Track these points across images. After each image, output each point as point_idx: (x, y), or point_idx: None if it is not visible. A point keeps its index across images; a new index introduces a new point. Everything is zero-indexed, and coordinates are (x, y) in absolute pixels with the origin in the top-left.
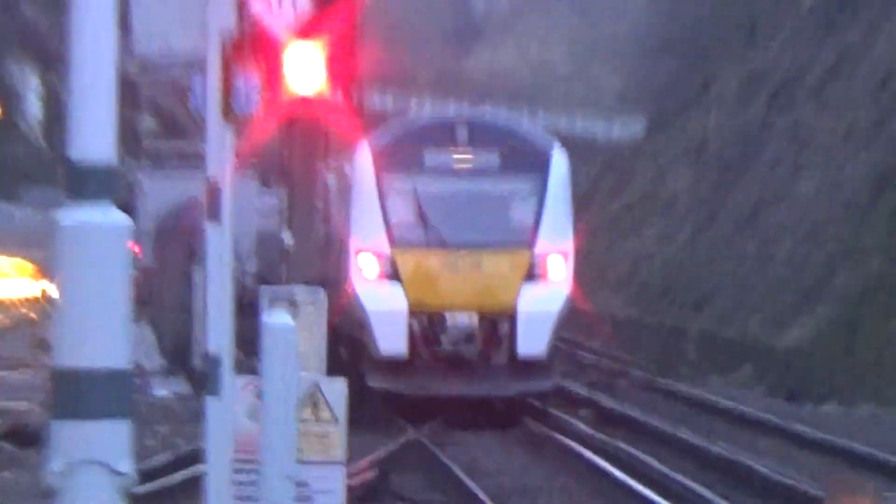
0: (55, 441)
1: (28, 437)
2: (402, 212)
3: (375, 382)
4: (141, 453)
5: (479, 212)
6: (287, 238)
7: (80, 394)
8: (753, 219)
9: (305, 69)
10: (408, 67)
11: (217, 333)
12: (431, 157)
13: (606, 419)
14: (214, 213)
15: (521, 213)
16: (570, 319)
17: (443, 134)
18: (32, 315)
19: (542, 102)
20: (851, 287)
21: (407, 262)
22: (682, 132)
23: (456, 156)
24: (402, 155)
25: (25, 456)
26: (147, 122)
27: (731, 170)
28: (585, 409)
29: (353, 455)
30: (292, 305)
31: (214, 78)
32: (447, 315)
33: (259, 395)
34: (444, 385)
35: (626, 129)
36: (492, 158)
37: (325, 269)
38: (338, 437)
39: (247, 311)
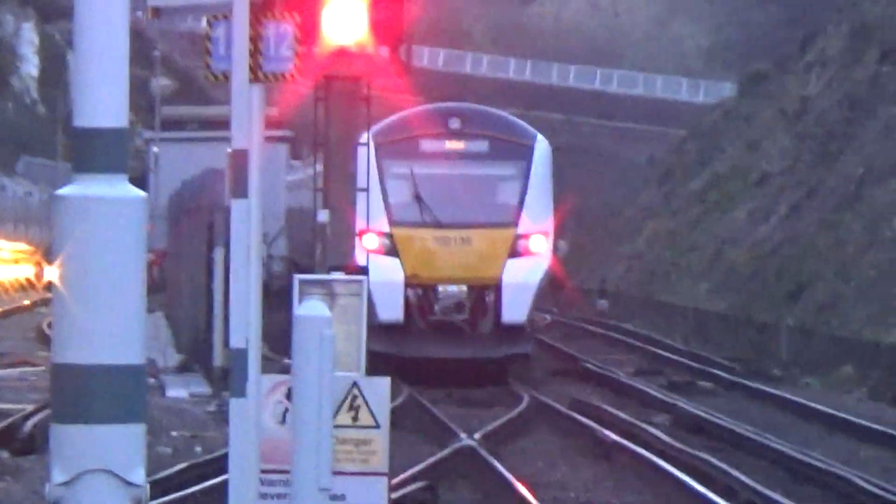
0: (57, 448)
1: (25, 444)
2: (400, 194)
3: (375, 346)
4: (154, 462)
5: (468, 194)
6: (323, 217)
7: (85, 394)
8: (859, 195)
9: (346, 19)
10: (461, 20)
11: (242, 326)
12: (426, 144)
13: (686, 426)
14: (240, 187)
15: (506, 196)
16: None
17: (437, 123)
18: (27, 303)
19: (616, 61)
20: None
21: (404, 239)
22: (778, 95)
23: (448, 143)
24: (399, 142)
25: (23, 465)
26: (161, 83)
27: (835, 138)
28: (662, 414)
29: (396, 465)
30: (329, 296)
31: (241, 30)
32: (439, 286)
33: (290, 397)
34: (436, 348)
35: (713, 91)
36: (481, 146)
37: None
38: (379, 444)
39: (276, 300)
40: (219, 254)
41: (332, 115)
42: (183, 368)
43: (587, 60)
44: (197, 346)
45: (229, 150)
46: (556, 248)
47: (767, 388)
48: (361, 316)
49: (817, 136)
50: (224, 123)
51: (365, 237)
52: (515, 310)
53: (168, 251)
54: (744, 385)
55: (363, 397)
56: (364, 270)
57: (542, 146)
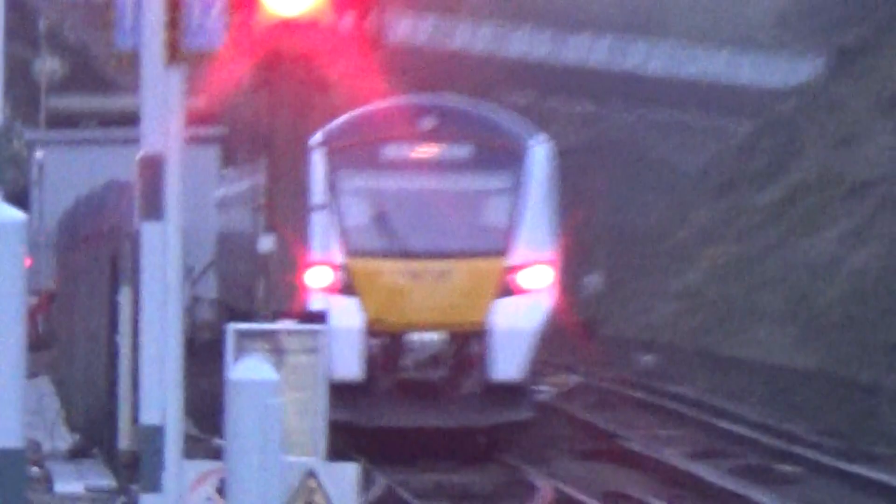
0: None
1: None
2: (359, 214)
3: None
4: None
5: (447, 214)
6: (266, 245)
7: None
8: None
9: None
10: None
11: (157, 395)
12: (392, 149)
13: None
14: (153, 206)
15: (495, 216)
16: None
17: (406, 122)
18: None
19: (662, 32)
20: None
21: (364, 274)
22: (879, 76)
23: (421, 148)
24: (358, 147)
25: None
26: (50, 67)
27: None
28: None
29: None
30: (275, 352)
31: None
32: (410, 334)
33: (222, 491)
34: (407, 415)
35: (792, 71)
36: (463, 152)
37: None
38: None
39: (203, 359)
40: (125, 296)
41: (278, 108)
42: (77, 453)
43: (622, 31)
44: (96, 422)
45: (140, 155)
46: (585, 284)
47: (872, 474)
48: (320, 379)
49: None
50: (132, 119)
51: (313, 271)
52: (509, 364)
53: (57, 293)
54: (840, 469)
55: (323, 491)
56: (321, 317)
57: (541, 151)
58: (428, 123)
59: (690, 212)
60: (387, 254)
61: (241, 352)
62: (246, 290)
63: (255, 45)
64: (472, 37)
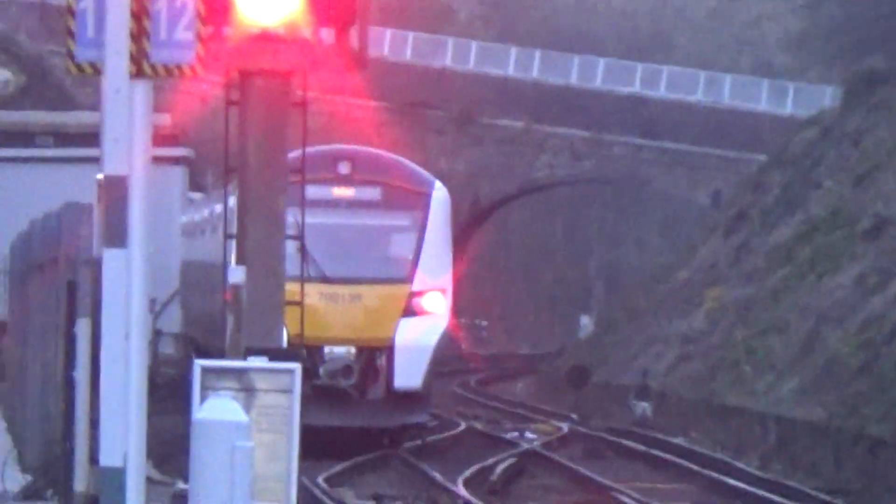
0: None
1: None
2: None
3: None
4: None
5: (359, 246)
6: (237, 276)
7: None
8: None
9: None
10: None
11: (117, 435)
12: (313, 190)
13: None
14: (116, 231)
15: (400, 249)
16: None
17: (324, 167)
18: None
19: (666, 54)
20: None
21: (287, 296)
22: None
23: (337, 189)
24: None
25: None
26: (2, 78)
27: None
28: None
29: None
30: (245, 392)
31: (119, 2)
32: (325, 347)
33: None
34: (321, 416)
35: (807, 99)
36: (373, 193)
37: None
38: None
39: (166, 398)
40: (84, 328)
41: (252, 127)
42: (30, 495)
43: (624, 53)
44: (51, 462)
45: (101, 176)
46: (578, 326)
47: None
48: (293, 421)
49: None
50: (92, 137)
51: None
52: (409, 374)
53: (8, 323)
54: None
55: None
56: (294, 356)
57: (440, 194)
58: (343, 168)
59: (694, 250)
60: (307, 279)
61: (207, 390)
62: (214, 324)
63: (228, 59)
64: (459, 54)
